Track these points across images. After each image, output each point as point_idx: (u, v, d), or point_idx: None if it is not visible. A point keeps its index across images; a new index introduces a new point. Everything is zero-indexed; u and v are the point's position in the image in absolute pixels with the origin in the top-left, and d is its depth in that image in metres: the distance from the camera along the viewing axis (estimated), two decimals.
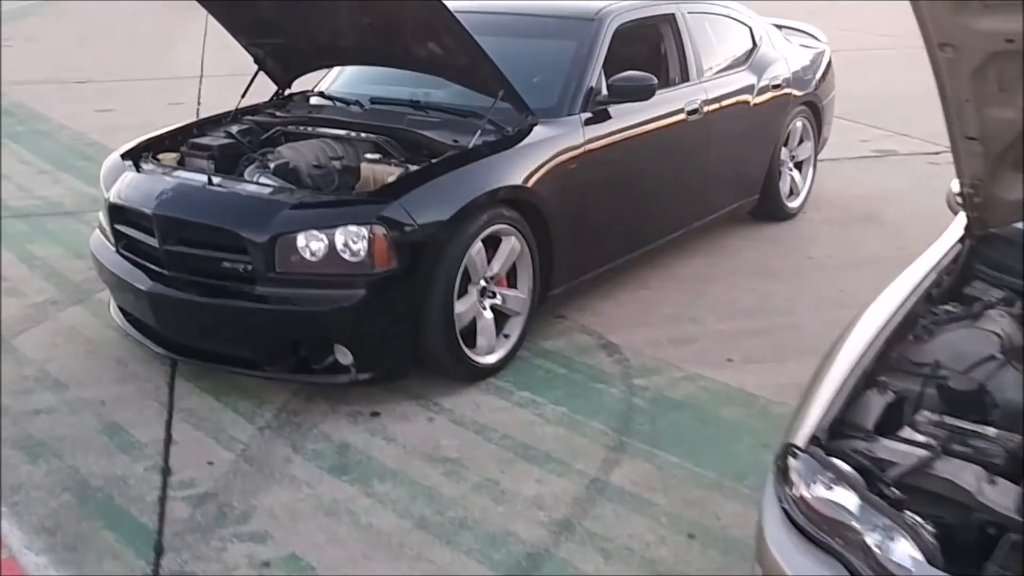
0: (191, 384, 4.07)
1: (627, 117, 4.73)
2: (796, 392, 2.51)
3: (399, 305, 3.72)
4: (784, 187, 6.28)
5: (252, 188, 3.92)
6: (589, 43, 4.73)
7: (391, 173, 4.00)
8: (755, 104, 5.77)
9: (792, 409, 2.40)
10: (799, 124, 6.32)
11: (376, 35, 4.28)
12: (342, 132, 4.49)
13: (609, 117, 4.65)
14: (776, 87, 5.98)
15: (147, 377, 4.18)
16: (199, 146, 4.51)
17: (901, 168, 7.80)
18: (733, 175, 5.76)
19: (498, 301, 4.14)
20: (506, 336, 4.20)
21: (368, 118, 4.55)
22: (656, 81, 4.61)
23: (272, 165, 4.19)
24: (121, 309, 4.35)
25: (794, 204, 6.42)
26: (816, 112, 6.53)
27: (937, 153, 8.26)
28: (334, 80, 5.32)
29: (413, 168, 4.00)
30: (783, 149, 6.18)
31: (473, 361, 4.02)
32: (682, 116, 5.11)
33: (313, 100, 5.10)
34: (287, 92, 5.18)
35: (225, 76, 12.61)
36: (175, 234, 3.87)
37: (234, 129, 4.74)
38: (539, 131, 4.33)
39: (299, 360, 3.80)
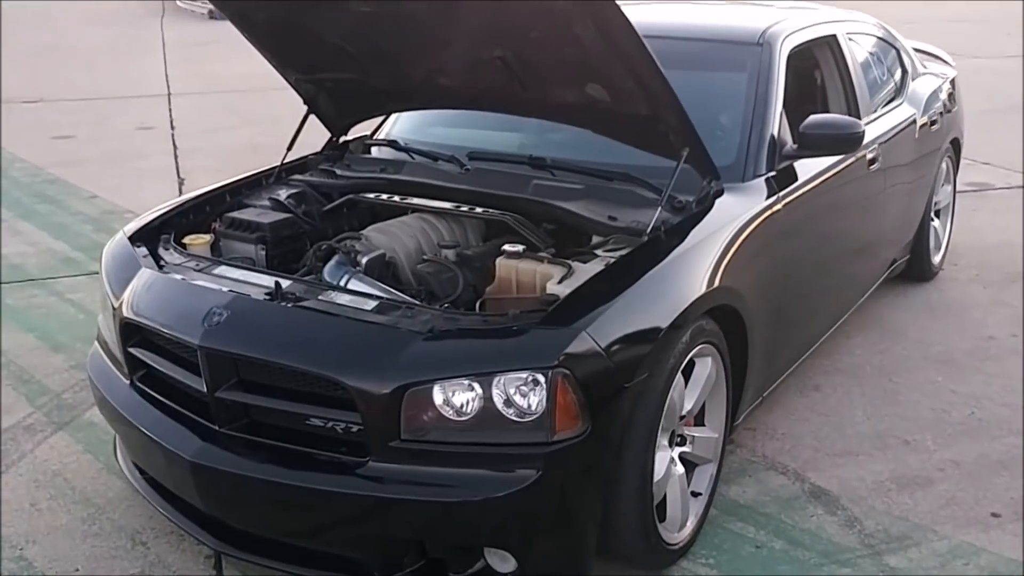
0: None
1: (806, 171, 3.52)
2: None
3: (586, 483, 2.46)
4: (931, 241, 5.14)
5: (345, 302, 2.62)
6: (763, 76, 3.51)
7: (547, 275, 2.73)
8: (916, 144, 4.61)
9: None
10: (943, 166, 5.18)
11: (505, 75, 2.99)
12: (445, 204, 3.22)
13: (795, 176, 3.44)
14: (933, 123, 4.83)
15: (182, 568, 2.87)
16: (239, 223, 3.20)
17: (1009, 205, 6.72)
18: (895, 232, 4.59)
19: (687, 448, 2.90)
20: (695, 495, 2.96)
21: (475, 183, 3.27)
22: (864, 128, 3.42)
23: (364, 260, 2.90)
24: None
25: (937, 260, 5.29)
26: (957, 150, 5.41)
27: None
28: (395, 123, 4.04)
29: (577, 266, 2.73)
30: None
31: (666, 542, 2.77)
32: (863, 166, 3.92)
33: (379, 152, 3.81)
34: (342, 139, 3.88)
35: (196, 94, 11.18)
36: (235, 376, 2.57)
37: (283, 194, 3.45)
38: (726, 203, 3.10)
39: (429, 566, 2.52)
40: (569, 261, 2.77)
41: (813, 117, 3.42)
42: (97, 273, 3.21)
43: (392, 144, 3.77)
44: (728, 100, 3.51)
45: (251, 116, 9.55)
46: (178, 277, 2.84)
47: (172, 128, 9.25)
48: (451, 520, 2.41)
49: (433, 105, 3.61)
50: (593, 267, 2.72)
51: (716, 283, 2.82)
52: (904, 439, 3.61)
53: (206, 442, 2.58)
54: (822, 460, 3.46)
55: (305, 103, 3.67)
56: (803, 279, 3.49)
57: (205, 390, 2.57)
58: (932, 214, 5.12)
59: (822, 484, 3.31)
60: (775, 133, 3.42)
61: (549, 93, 3.04)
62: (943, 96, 5.11)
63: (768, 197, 3.23)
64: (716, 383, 2.94)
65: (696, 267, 2.78)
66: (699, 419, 2.98)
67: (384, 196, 3.34)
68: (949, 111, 5.14)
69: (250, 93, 10.48)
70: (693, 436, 2.92)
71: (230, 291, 2.68)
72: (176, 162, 7.88)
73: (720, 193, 3.10)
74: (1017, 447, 3.55)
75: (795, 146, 3.43)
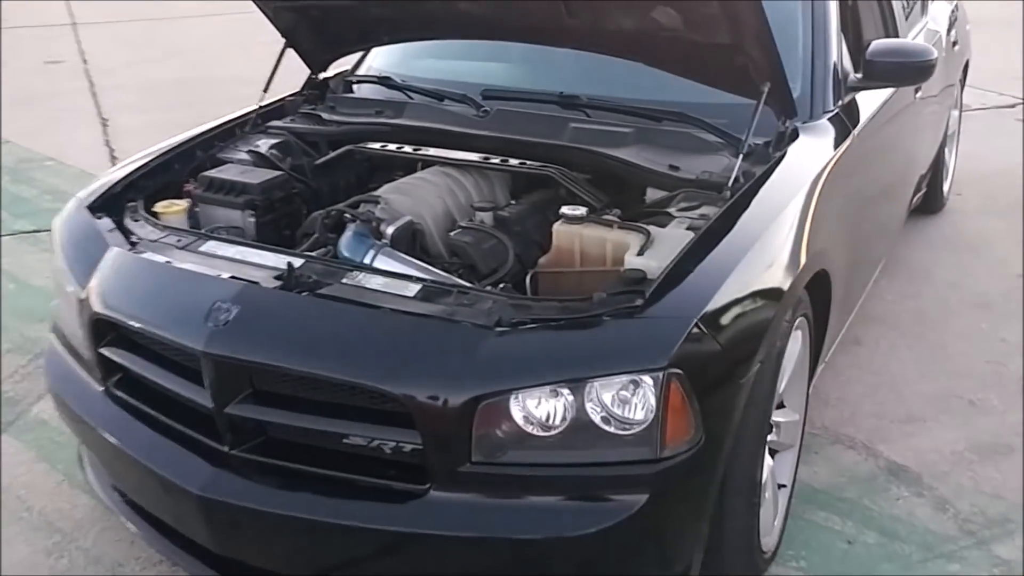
0: None
1: (867, 104, 3.09)
2: None
3: (698, 505, 2.02)
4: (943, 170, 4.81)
5: (379, 287, 2.10)
6: None
7: (621, 244, 2.24)
8: (944, 65, 4.21)
9: None
10: (956, 90, 4.82)
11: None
12: (470, 155, 2.70)
13: (858, 111, 3.01)
14: (955, 43, 4.46)
15: None
16: (221, 184, 2.65)
17: (993, 128, 6.46)
18: (925, 163, 4.23)
19: (773, 437, 2.49)
20: (781, 487, 2.57)
21: (498, 127, 2.76)
22: (937, 56, 2.99)
23: (390, 231, 2.38)
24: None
25: (946, 189, 4.97)
26: (966, 74, 5.06)
27: (1014, 106, 7.00)
28: (377, 56, 3.47)
29: (655, 232, 2.26)
30: None
31: (761, 549, 2.36)
32: (910, 93, 3.51)
33: (368, 91, 3.25)
34: (321, 76, 3.30)
35: (105, 24, 10.22)
36: (248, 386, 2.05)
37: (263, 146, 2.88)
38: (803, 147, 2.65)
39: None
40: (644, 225, 2.29)
41: (879, 43, 2.98)
42: (27, 233, 2.61)
43: (384, 81, 3.20)
44: (782, 23, 3.01)
45: (172, 47, 8.71)
46: (159, 259, 2.28)
47: (84, 62, 8.39)
48: (536, 561, 1.95)
49: (448, 35, 3.04)
50: (675, 233, 2.25)
51: (815, 247, 2.39)
52: (968, 399, 3.28)
53: (216, 468, 2.07)
54: (888, 429, 3.10)
55: (283, 35, 3.08)
56: (866, 225, 3.09)
57: (211, 405, 2.05)
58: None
59: (897, 459, 2.95)
60: (838, 62, 2.97)
61: (603, 20, 2.52)
62: (959, 14, 4.74)
63: (840, 137, 2.79)
64: (801, 359, 2.53)
65: (793, 229, 2.33)
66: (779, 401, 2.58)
67: (392, 146, 2.80)
68: (963, 32, 4.78)
69: (167, 22, 9.61)
70: (779, 422, 2.51)
71: (232, 277, 2.14)
72: (95, 100, 7.09)
73: (796, 135, 2.65)
74: None
75: (859, 76, 3.00)
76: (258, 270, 2.19)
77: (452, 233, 2.46)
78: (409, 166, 2.85)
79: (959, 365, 3.50)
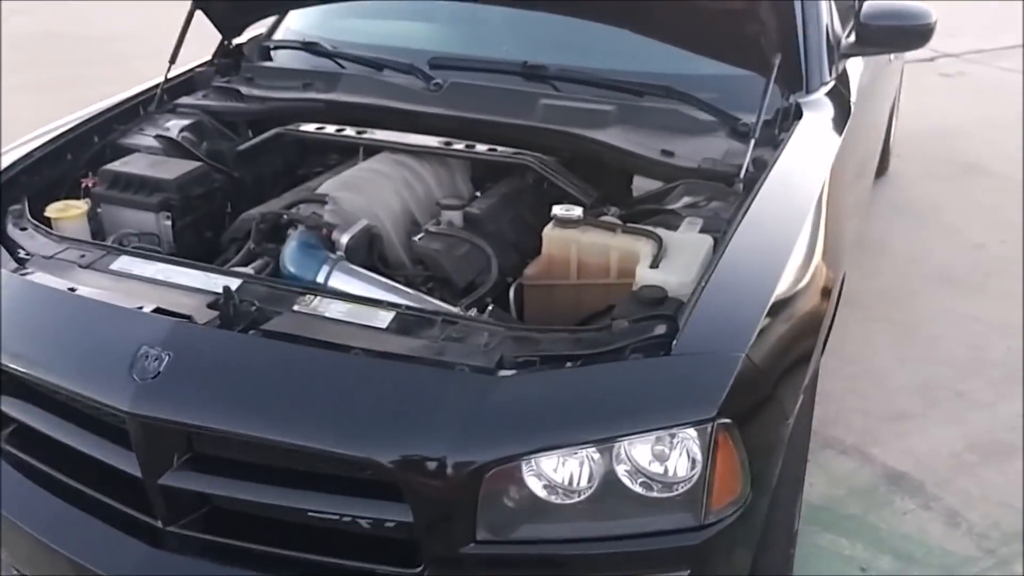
0: None
1: (854, 70, 2.81)
2: None
3: (739, 568, 1.70)
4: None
5: (342, 315, 1.69)
6: None
7: (629, 253, 1.87)
8: None
9: None
10: None
11: None
12: (430, 141, 2.29)
13: (848, 79, 2.72)
14: None
15: None
16: (129, 180, 2.18)
17: (915, 83, 6.33)
18: (885, 127, 4.01)
19: None
20: None
21: (455, 104, 2.36)
22: (936, 17, 2.71)
23: (344, 239, 1.96)
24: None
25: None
26: None
27: (933, 59, 6.91)
28: (293, 18, 3.01)
29: (667, 236, 1.90)
30: None
31: None
32: (887, 56, 3.25)
33: (287, 58, 2.79)
34: (235, 43, 2.83)
35: None
36: (187, 450, 1.63)
37: (174, 129, 2.41)
38: (810, 126, 2.32)
39: None
40: (651, 228, 1.93)
41: (873, 4, 2.68)
42: None
43: (310, 47, 2.74)
44: None
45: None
46: (59, 284, 1.81)
47: None
48: None
49: None
50: (691, 238, 1.90)
51: (840, 247, 2.10)
52: (954, 390, 3.08)
53: (148, 549, 1.65)
54: (878, 429, 2.87)
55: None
56: (859, 206, 2.82)
57: (139, 475, 1.63)
58: None
59: (895, 464, 2.72)
60: (831, 25, 2.66)
61: None
62: None
63: (842, 113, 2.49)
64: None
65: (821, 231, 2.01)
66: None
67: (330, 128, 2.37)
68: None
69: None
70: None
71: (157, 310, 1.70)
72: None
73: (799, 113, 2.33)
74: None
75: (851, 41, 2.70)
76: (188, 296, 1.76)
77: (417, 239, 2.06)
78: (347, 150, 2.43)
79: (936, 351, 3.29)
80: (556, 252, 1.95)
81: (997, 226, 4.22)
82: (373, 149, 2.36)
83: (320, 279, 1.87)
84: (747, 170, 2.06)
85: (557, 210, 1.97)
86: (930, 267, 3.88)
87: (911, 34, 2.66)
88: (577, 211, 1.96)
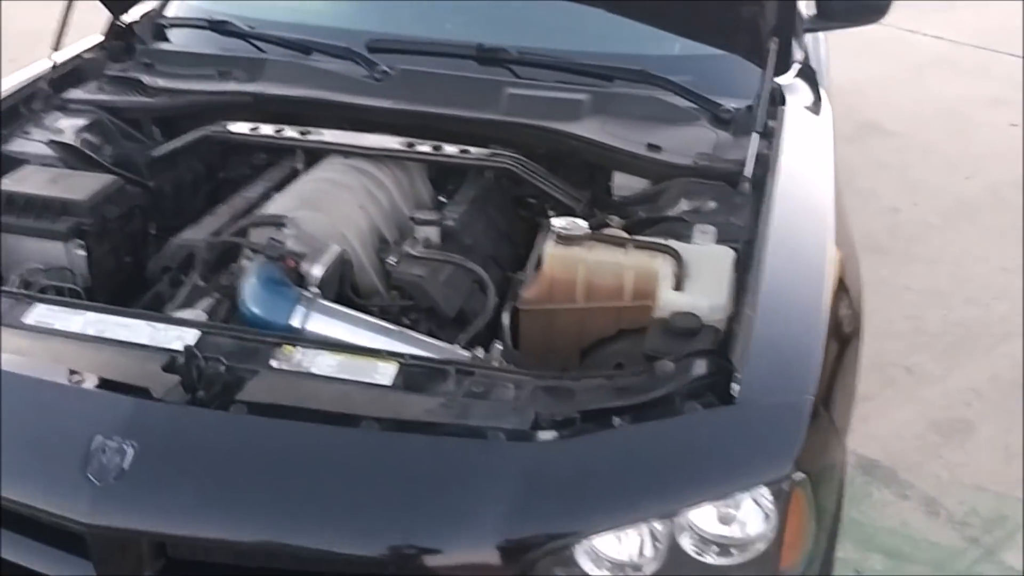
0: None
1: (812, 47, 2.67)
2: None
3: None
4: None
5: (332, 371, 1.41)
6: None
7: (646, 273, 1.65)
8: None
9: None
10: None
11: None
12: (389, 141, 2.00)
13: (808, 55, 2.57)
14: None
15: None
16: (31, 203, 1.82)
17: None
18: None
19: None
20: None
21: (408, 96, 2.07)
22: None
23: (317, 272, 1.66)
24: None
25: None
26: None
27: None
28: None
29: (684, 251, 1.69)
30: None
31: None
32: None
33: (189, 39, 2.42)
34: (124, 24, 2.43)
35: None
36: (161, 557, 1.33)
37: (70, 132, 2.04)
38: (796, 112, 2.16)
39: None
40: (662, 241, 1.72)
41: None
42: None
43: (220, 27, 2.38)
44: None
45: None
46: None
47: None
48: None
49: None
50: (710, 251, 1.70)
51: (852, 250, 1.94)
52: (903, 366, 3.03)
53: None
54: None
55: None
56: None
57: None
58: None
59: (863, 451, 2.64)
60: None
61: None
62: None
63: (818, 95, 2.33)
64: None
65: (841, 234, 1.86)
66: None
67: (267, 129, 2.04)
68: None
69: None
70: None
71: (103, 384, 1.38)
72: None
73: (783, 98, 2.16)
74: (1015, 360, 3.08)
75: (811, 15, 2.54)
76: (134, 358, 1.44)
77: (393, 262, 1.78)
78: (278, 150, 2.12)
79: (878, 324, 3.19)
80: (559, 273, 1.72)
81: (906, 188, 4.22)
82: (318, 151, 2.05)
83: (295, 323, 1.58)
84: (748, 172, 1.87)
85: (557, 224, 1.73)
86: (856, 235, 3.83)
87: (873, 8, 2.53)
88: (581, 225, 1.73)
